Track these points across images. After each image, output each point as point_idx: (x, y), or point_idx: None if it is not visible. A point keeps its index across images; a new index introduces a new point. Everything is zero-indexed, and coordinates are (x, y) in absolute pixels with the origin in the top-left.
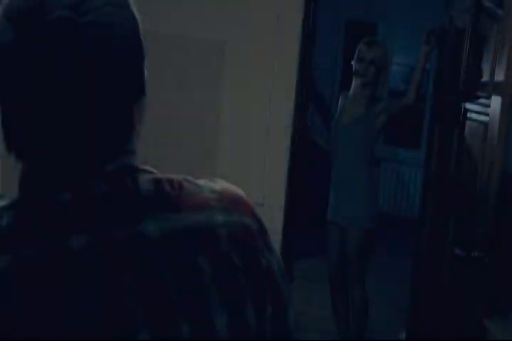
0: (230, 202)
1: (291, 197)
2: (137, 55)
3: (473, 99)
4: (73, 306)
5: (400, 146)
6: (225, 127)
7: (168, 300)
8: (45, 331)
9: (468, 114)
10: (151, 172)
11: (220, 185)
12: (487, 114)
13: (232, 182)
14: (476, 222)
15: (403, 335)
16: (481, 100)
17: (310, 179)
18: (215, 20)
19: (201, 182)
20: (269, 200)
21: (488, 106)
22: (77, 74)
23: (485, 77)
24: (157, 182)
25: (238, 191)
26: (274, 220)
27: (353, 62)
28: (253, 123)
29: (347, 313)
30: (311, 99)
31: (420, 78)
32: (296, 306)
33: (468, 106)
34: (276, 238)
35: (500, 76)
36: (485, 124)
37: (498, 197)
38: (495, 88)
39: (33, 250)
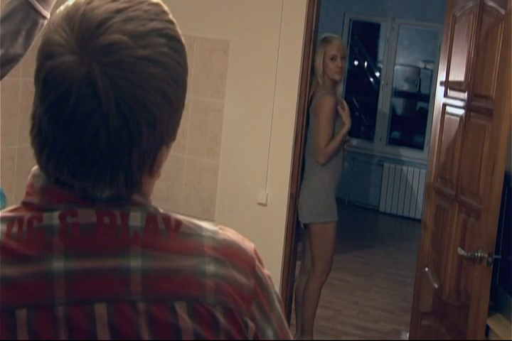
0: (227, 254)
1: (294, 197)
2: (176, 100)
3: (475, 98)
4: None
5: (403, 146)
6: (227, 127)
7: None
8: None
9: (471, 114)
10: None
11: (225, 234)
12: (490, 114)
13: (235, 182)
14: (479, 222)
15: (404, 335)
16: (484, 100)
17: None
18: (219, 21)
19: (206, 226)
20: (271, 200)
21: (491, 105)
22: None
23: (487, 77)
24: (150, 219)
25: (242, 245)
26: (276, 220)
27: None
28: (256, 123)
29: None
30: None
31: None
32: None
33: (471, 106)
34: (278, 237)
35: (502, 76)
36: (487, 124)
37: (501, 197)
38: (497, 88)
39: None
